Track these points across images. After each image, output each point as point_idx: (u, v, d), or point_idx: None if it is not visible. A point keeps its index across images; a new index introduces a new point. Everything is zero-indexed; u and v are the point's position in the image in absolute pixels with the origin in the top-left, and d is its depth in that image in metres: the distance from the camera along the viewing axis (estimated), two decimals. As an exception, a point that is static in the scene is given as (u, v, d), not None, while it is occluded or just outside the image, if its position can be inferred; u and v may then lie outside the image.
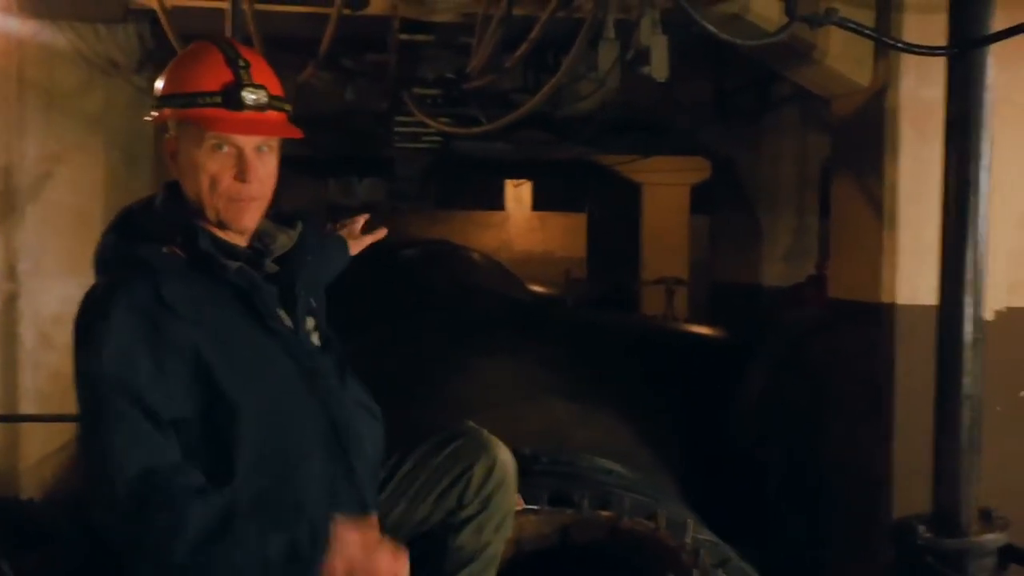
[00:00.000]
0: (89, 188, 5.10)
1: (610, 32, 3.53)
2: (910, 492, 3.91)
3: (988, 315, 4.11)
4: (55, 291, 4.48)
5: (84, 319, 1.68)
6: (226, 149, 1.73)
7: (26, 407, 4.42)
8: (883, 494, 4.19)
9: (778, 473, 5.32)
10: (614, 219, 13.45)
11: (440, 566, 1.94)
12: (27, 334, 4.53)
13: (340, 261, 2.24)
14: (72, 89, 4.73)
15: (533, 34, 3.20)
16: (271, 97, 1.75)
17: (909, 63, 3.97)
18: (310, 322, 1.84)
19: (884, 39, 3.09)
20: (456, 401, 4.06)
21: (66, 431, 4.59)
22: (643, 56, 3.48)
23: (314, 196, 14.98)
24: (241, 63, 1.74)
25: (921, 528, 3.10)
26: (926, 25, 3.75)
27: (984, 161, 3.09)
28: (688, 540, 2.38)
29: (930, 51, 2.92)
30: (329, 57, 5.61)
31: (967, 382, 3.12)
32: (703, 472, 5.31)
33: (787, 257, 7.73)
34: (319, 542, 1.58)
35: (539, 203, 17.99)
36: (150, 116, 1.79)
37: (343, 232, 2.31)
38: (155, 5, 3.62)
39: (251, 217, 1.78)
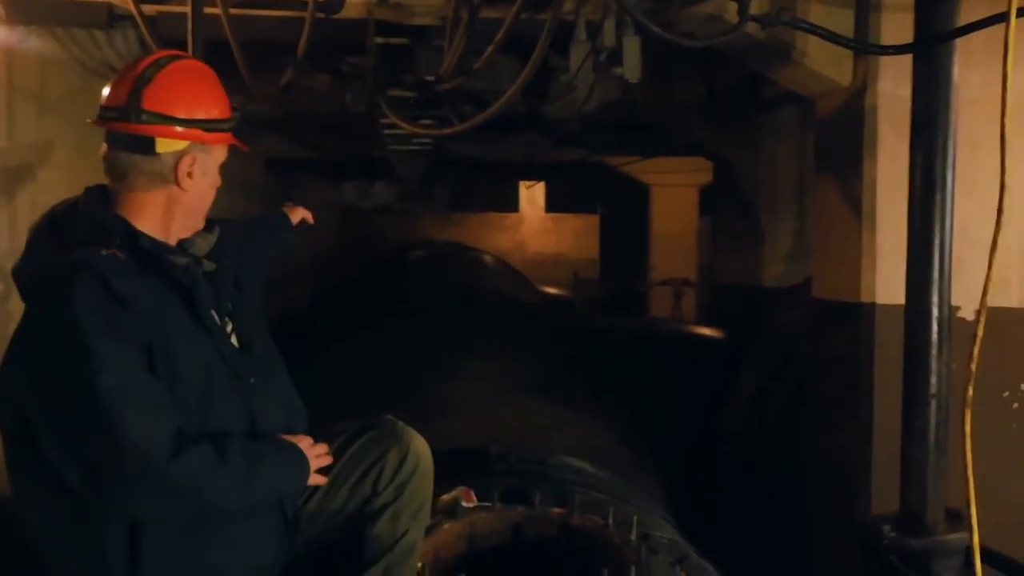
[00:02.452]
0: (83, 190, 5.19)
1: (581, 34, 3.56)
2: (888, 492, 3.90)
3: (969, 315, 4.11)
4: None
5: (44, 320, 1.72)
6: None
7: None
8: (862, 494, 4.18)
9: (767, 472, 5.32)
10: (625, 221, 13.46)
11: (359, 556, 1.98)
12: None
13: (285, 232, 2.58)
14: (65, 93, 4.81)
15: (498, 37, 3.23)
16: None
17: (887, 63, 3.95)
18: (229, 324, 1.90)
19: (837, 38, 3.09)
20: (436, 402, 4.09)
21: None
22: (616, 57, 3.50)
23: (326, 198, 15.08)
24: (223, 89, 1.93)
25: (886, 528, 3.10)
26: (906, 24, 3.75)
27: (950, 159, 3.08)
28: (632, 537, 2.40)
29: (881, 50, 2.92)
30: (327, 60, 5.68)
31: (933, 382, 3.11)
32: (694, 471, 5.32)
33: (788, 258, 7.69)
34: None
35: (552, 204, 17.99)
36: (175, 139, 1.85)
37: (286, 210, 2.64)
38: (133, 12, 3.68)
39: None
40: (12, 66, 4.49)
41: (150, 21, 3.98)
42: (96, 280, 1.69)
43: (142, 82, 1.82)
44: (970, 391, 2.17)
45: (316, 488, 1.98)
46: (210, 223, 1.96)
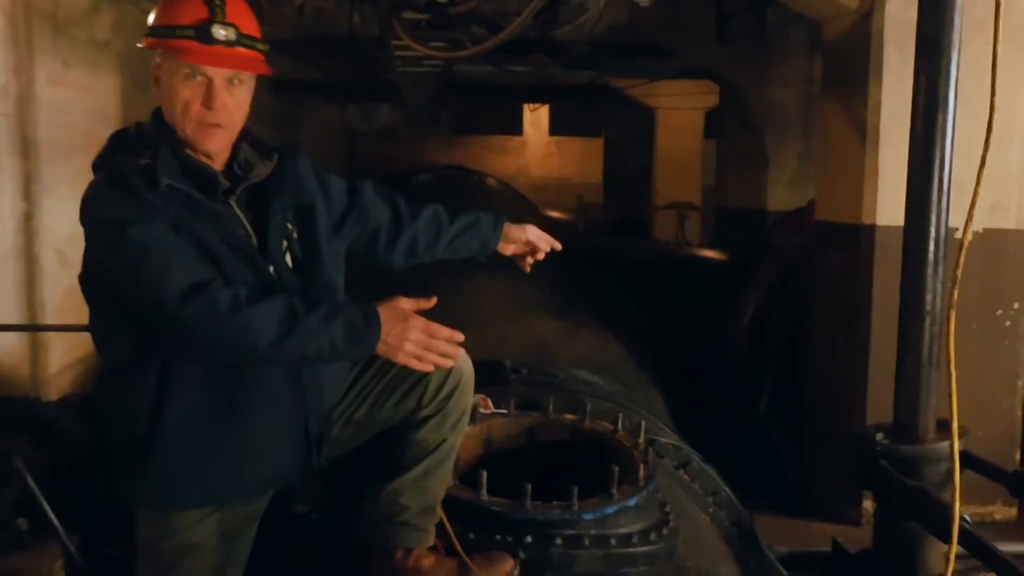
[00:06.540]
0: (100, 111, 5.25)
1: (593, -44, 3.60)
2: (883, 406, 4.07)
3: (967, 236, 4.22)
4: (69, 212, 4.61)
5: (88, 204, 1.88)
6: (198, 79, 1.90)
7: (44, 321, 4.63)
8: (858, 407, 4.35)
9: (767, 388, 5.50)
10: (630, 144, 13.45)
11: (401, 457, 2.13)
12: (44, 252, 4.70)
13: (490, 234, 2.34)
14: (79, 14, 4.84)
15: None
16: (240, 35, 1.92)
17: (896, -15, 4.00)
18: (283, 244, 1.99)
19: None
20: (447, 319, 4.23)
21: (82, 345, 4.82)
22: (627, -21, 3.55)
23: (333, 120, 15.04)
24: (217, 1, 1.91)
25: (879, 435, 3.25)
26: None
27: (952, 81, 3.14)
28: (640, 440, 2.55)
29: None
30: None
31: (929, 299, 3.22)
32: (696, 387, 5.50)
33: (792, 182, 7.78)
34: (369, 316, 1.81)
35: (556, 127, 17.92)
36: (140, 44, 1.95)
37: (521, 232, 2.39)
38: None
39: (216, 142, 1.94)
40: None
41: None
42: (122, 180, 1.85)
43: None
44: (953, 306, 2.30)
45: (365, 398, 2.11)
46: (270, 151, 2.02)
